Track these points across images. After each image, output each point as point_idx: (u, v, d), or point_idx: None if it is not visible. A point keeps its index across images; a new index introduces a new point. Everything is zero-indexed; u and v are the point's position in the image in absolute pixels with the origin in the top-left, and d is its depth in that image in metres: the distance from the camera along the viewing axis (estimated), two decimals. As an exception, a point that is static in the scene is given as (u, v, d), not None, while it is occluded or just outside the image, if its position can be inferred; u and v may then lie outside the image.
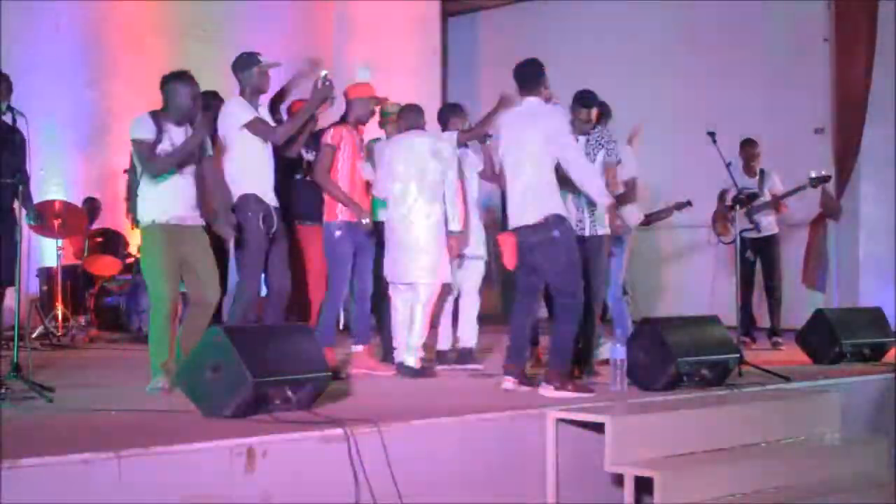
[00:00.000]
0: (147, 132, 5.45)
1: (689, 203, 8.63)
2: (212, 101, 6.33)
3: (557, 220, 5.59)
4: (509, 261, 5.76)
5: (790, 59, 10.84)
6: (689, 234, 10.80)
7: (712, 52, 11.23)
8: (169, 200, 5.48)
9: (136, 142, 5.47)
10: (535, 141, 5.67)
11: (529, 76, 5.78)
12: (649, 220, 8.83)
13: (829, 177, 8.86)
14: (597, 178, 5.95)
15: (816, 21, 10.66)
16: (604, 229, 6.36)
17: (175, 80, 5.55)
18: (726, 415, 5.34)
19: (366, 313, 6.75)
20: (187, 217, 5.54)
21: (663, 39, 11.63)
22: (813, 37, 10.67)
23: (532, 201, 5.63)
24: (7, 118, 5.84)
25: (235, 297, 5.98)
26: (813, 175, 8.53)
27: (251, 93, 6.06)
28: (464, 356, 7.00)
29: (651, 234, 9.82)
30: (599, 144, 6.44)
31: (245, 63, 6.07)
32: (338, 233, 6.53)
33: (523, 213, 5.68)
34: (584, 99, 6.46)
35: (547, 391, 5.51)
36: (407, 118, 6.75)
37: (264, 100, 6.26)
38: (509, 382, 5.69)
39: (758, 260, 8.96)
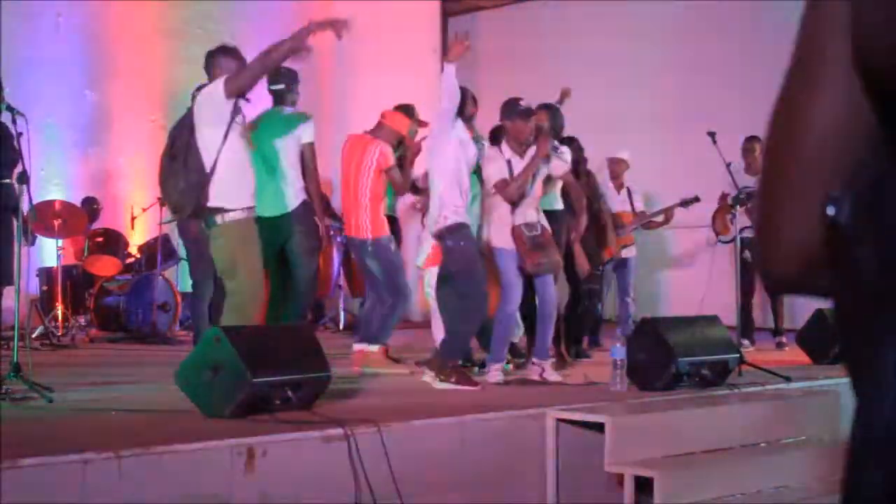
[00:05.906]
0: None
1: (696, 199, 8.60)
2: None
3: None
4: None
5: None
6: (689, 234, 10.78)
7: (712, 52, 11.21)
8: None
9: None
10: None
11: None
12: (649, 220, 8.83)
13: None
14: None
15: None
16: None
17: None
18: (726, 415, 5.34)
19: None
20: None
21: (662, 40, 11.61)
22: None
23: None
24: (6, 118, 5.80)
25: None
26: None
27: None
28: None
29: (650, 235, 9.79)
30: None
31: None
32: (392, 245, 6.78)
33: None
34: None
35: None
36: None
37: None
38: None
39: None
